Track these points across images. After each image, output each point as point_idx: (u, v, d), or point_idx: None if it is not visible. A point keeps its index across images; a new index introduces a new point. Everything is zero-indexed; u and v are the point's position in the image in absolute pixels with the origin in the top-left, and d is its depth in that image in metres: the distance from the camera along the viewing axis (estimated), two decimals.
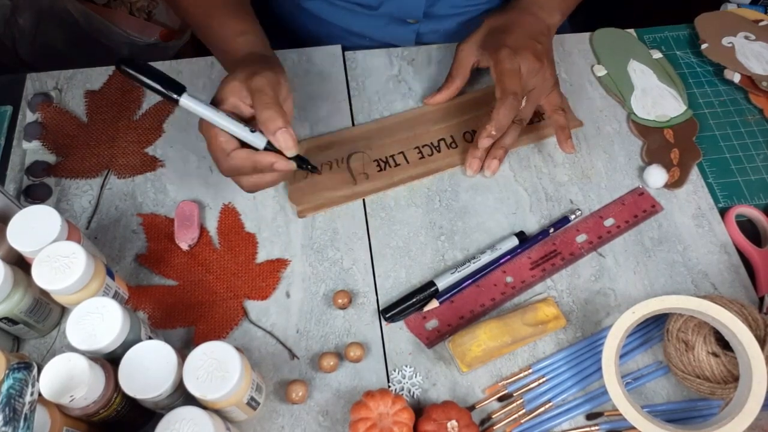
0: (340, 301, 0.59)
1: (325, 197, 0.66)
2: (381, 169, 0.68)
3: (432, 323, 0.59)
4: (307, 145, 0.69)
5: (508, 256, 0.62)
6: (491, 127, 0.61)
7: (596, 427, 0.54)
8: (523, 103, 0.64)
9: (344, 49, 0.77)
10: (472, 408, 0.55)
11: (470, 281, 0.61)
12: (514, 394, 0.56)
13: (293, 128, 0.54)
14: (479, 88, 0.74)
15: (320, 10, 0.76)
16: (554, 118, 0.66)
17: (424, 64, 0.76)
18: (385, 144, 0.70)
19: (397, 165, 0.68)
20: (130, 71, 0.51)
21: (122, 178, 0.67)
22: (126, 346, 0.48)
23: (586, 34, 0.80)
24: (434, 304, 0.59)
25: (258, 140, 0.54)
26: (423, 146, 0.69)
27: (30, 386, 0.40)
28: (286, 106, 0.55)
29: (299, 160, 0.56)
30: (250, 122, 0.55)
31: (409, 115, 0.72)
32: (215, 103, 0.55)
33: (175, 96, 0.53)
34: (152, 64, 0.74)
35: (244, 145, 0.55)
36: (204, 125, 0.54)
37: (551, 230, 0.64)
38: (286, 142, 0.53)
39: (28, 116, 0.70)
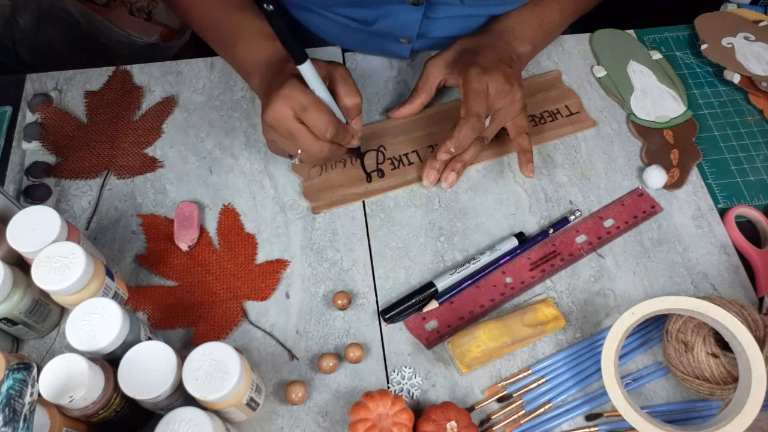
0: (339, 301, 0.59)
1: (339, 194, 0.66)
2: (394, 168, 0.68)
3: (431, 324, 0.59)
4: None
5: (508, 257, 0.62)
6: (450, 144, 0.62)
7: (596, 428, 0.54)
8: (487, 123, 0.64)
9: (344, 50, 0.77)
10: (471, 409, 0.55)
11: (470, 282, 0.61)
12: (514, 395, 0.56)
13: None
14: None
15: (313, 24, 0.76)
16: (518, 140, 0.66)
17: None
18: (398, 142, 0.70)
19: (410, 163, 0.68)
20: (272, 19, 0.53)
21: (122, 178, 0.67)
22: (125, 346, 0.48)
23: (586, 35, 0.80)
24: (434, 305, 0.59)
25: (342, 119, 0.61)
26: (436, 145, 0.69)
27: (29, 387, 0.40)
28: None
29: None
30: None
31: (423, 115, 0.72)
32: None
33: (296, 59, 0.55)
34: (152, 64, 0.75)
35: None
36: (304, 92, 0.57)
37: (551, 231, 0.64)
38: (359, 127, 0.63)
39: (28, 117, 0.70)
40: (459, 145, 0.62)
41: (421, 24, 0.69)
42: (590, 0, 0.75)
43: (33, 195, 0.65)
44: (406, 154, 0.69)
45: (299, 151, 0.59)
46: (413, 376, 0.56)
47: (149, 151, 0.69)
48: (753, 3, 0.83)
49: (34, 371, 0.41)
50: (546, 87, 0.75)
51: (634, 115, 0.72)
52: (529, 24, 0.70)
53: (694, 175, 0.69)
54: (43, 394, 0.44)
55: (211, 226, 0.64)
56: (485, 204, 0.66)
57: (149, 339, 0.51)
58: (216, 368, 0.46)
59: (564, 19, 0.74)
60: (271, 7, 0.51)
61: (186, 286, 0.61)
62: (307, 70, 0.56)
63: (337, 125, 0.58)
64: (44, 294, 0.54)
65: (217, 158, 0.69)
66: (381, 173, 0.68)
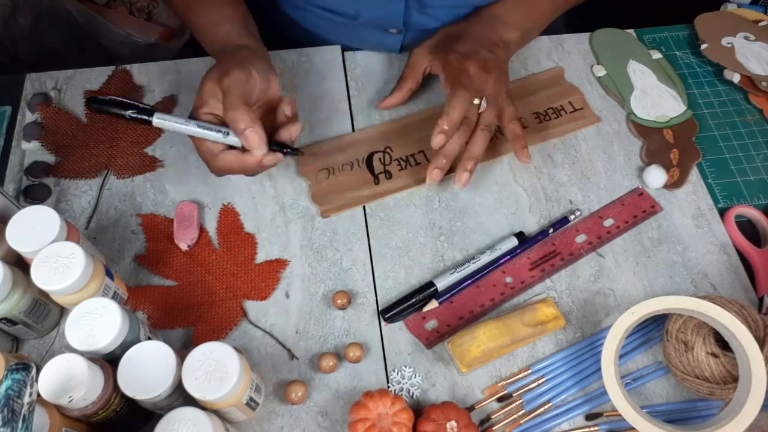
0: (339, 301, 0.59)
1: (347, 197, 0.66)
2: (402, 168, 0.68)
3: (431, 324, 0.59)
4: (327, 146, 0.69)
5: (508, 257, 0.62)
6: (443, 122, 0.60)
7: (595, 428, 0.54)
8: (484, 105, 0.64)
9: (344, 50, 0.77)
10: (471, 408, 0.55)
11: (470, 282, 0.61)
12: (514, 395, 0.56)
13: (300, 122, 0.59)
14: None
15: (304, 20, 0.76)
16: (510, 127, 0.65)
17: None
18: (405, 143, 0.70)
19: (417, 164, 0.68)
20: (101, 106, 0.56)
21: (121, 178, 0.67)
22: (125, 346, 0.48)
23: (586, 35, 0.80)
24: (434, 304, 0.59)
25: (235, 140, 0.56)
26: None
27: (29, 387, 0.40)
28: (268, 100, 0.58)
29: (280, 146, 0.58)
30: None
31: (429, 114, 0.72)
32: (197, 105, 0.57)
33: (147, 118, 0.57)
34: (152, 64, 0.75)
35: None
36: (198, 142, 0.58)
37: (551, 230, 0.64)
38: (254, 141, 0.54)
39: (28, 116, 0.70)
40: (452, 121, 0.60)
41: (410, 15, 0.69)
42: None
43: (32, 195, 0.65)
44: (413, 155, 0.69)
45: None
46: (413, 376, 0.56)
47: (149, 150, 0.69)
48: (753, 3, 0.83)
49: (33, 371, 0.41)
50: (549, 84, 0.75)
51: (634, 114, 0.72)
52: (518, 10, 0.70)
53: (694, 174, 0.69)
54: (42, 394, 0.44)
55: (211, 226, 0.64)
56: (485, 203, 0.66)
57: (149, 339, 0.51)
58: (215, 368, 0.46)
59: (555, 7, 0.73)
60: (98, 105, 0.56)
61: (186, 286, 0.61)
62: (159, 123, 0.57)
63: (207, 155, 0.58)
64: (44, 294, 0.54)
65: None
66: (388, 175, 0.68)
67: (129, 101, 0.57)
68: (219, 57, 0.62)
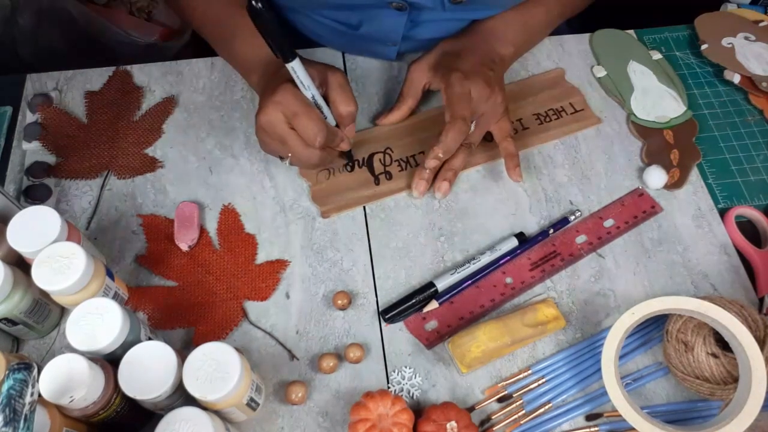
0: (339, 302, 0.59)
1: (348, 198, 0.66)
2: (402, 169, 0.68)
3: (431, 324, 0.59)
4: None
5: (508, 257, 0.62)
6: (439, 150, 0.61)
7: (596, 428, 0.54)
8: (473, 128, 0.64)
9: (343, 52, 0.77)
10: (471, 409, 0.55)
11: (470, 282, 0.61)
12: (514, 395, 0.56)
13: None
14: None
15: (302, 26, 0.76)
16: (503, 145, 0.65)
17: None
18: (405, 144, 0.70)
19: (418, 165, 0.68)
20: (260, 17, 0.52)
21: (122, 178, 0.67)
22: (126, 346, 0.48)
23: (586, 35, 0.80)
24: (434, 305, 0.59)
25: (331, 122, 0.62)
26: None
27: (30, 387, 0.40)
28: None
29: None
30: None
31: (428, 115, 0.72)
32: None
33: (287, 58, 0.55)
34: (152, 64, 0.75)
35: None
36: (296, 98, 0.57)
37: (551, 231, 0.64)
38: (351, 134, 0.63)
39: (28, 117, 0.70)
40: (447, 149, 0.61)
41: (406, 27, 0.69)
42: (579, 2, 0.75)
43: (33, 195, 0.65)
44: (413, 156, 0.69)
45: (289, 155, 0.60)
46: (413, 376, 0.56)
47: (149, 151, 0.69)
48: (753, 3, 0.83)
49: (35, 371, 0.41)
50: (550, 85, 0.75)
51: (635, 115, 0.72)
52: (513, 25, 0.70)
53: (694, 175, 0.69)
54: (43, 394, 0.44)
55: (212, 226, 0.64)
56: (485, 204, 0.66)
57: (149, 339, 0.51)
58: (216, 368, 0.46)
59: (550, 21, 0.74)
60: (260, 4, 0.51)
61: (186, 287, 0.61)
62: (296, 68, 0.56)
63: (326, 133, 0.58)
64: (44, 294, 0.54)
65: (217, 158, 0.69)
66: (389, 175, 0.68)
67: (276, 31, 0.54)
68: (270, 67, 0.63)
